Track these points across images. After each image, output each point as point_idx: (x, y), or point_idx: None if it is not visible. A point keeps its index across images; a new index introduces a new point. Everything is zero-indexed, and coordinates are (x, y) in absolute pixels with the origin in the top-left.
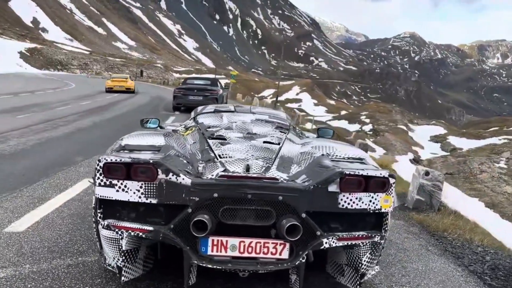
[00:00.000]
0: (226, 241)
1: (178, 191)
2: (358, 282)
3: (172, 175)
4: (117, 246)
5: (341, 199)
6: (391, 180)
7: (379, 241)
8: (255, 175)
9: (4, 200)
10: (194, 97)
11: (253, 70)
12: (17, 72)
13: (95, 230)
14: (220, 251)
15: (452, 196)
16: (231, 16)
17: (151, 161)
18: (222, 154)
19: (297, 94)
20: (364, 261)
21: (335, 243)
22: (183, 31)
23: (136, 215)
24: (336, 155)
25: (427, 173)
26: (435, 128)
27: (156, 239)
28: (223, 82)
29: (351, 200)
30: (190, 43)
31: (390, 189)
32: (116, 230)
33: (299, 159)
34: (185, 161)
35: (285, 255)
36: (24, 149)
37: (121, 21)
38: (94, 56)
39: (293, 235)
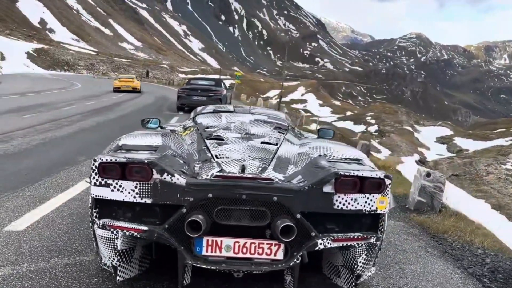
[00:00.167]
0: (221, 241)
1: (172, 191)
2: (353, 283)
3: (167, 175)
4: (112, 246)
5: (336, 200)
6: (387, 181)
7: (375, 242)
8: (250, 176)
9: (5, 199)
10: (198, 98)
11: (258, 70)
12: (24, 72)
13: (91, 229)
14: (215, 252)
15: (457, 198)
16: (236, 17)
17: (145, 161)
18: (219, 155)
19: (302, 94)
20: (360, 262)
21: (330, 244)
22: (188, 32)
23: (131, 215)
24: (334, 156)
25: (428, 174)
26: (441, 129)
27: (151, 239)
28: (228, 82)
29: (346, 201)
30: (195, 44)
31: (386, 190)
32: (111, 229)
33: (297, 160)
34: (181, 161)
35: (280, 255)
36: (27, 149)
37: (128, 22)
38: (101, 57)
39: (288, 236)
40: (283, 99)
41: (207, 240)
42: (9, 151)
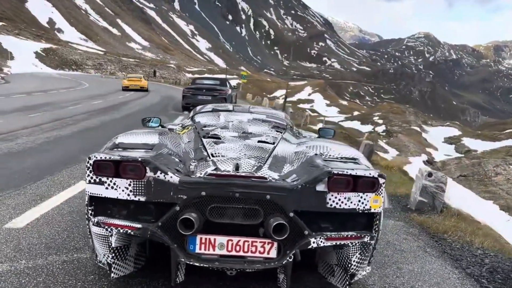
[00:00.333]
0: (214, 239)
1: (166, 189)
2: (347, 282)
3: (160, 173)
4: (106, 243)
5: (330, 199)
6: (381, 180)
7: (369, 241)
8: (243, 174)
9: (7, 197)
10: (203, 97)
11: (265, 70)
12: (33, 72)
13: (87, 227)
14: (208, 249)
15: (465, 199)
16: (243, 17)
17: (139, 159)
18: (215, 153)
19: (309, 94)
20: (354, 261)
21: (323, 243)
22: (196, 32)
23: (126, 212)
24: (330, 155)
25: (430, 174)
26: (450, 129)
27: (144, 237)
28: (234, 82)
29: (339, 199)
30: (202, 44)
31: (380, 189)
32: (106, 227)
33: (293, 159)
34: (177, 160)
35: (273, 254)
36: (31, 147)
37: (135, 21)
38: (108, 57)
39: (280, 234)
40: (290, 99)
41: (201, 238)
42: (14, 150)
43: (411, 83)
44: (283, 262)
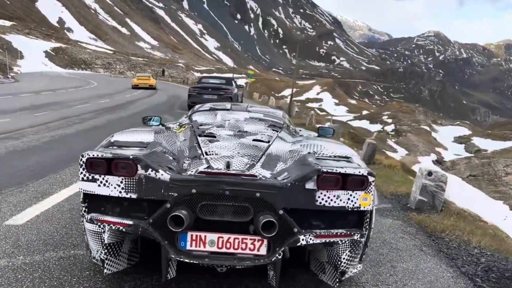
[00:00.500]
0: (205, 236)
1: (157, 186)
2: (337, 280)
3: (151, 171)
4: (99, 239)
5: (319, 197)
6: (370, 178)
7: (359, 239)
8: (233, 172)
9: (9, 194)
10: (208, 96)
11: (273, 69)
12: (42, 71)
13: (82, 224)
14: (199, 246)
15: (473, 199)
16: (252, 16)
17: (130, 156)
18: (209, 151)
19: (318, 93)
20: (344, 258)
21: (313, 240)
22: (204, 31)
23: (119, 209)
24: (323, 153)
25: (430, 173)
26: (459, 129)
27: (136, 233)
28: (243, 81)
29: (328, 197)
30: (211, 43)
31: (370, 187)
32: (99, 223)
33: (287, 157)
34: (170, 158)
35: (263, 251)
36: (36, 146)
37: (144, 21)
38: (118, 56)
39: (269, 232)
40: (298, 98)
41: (191, 235)
42: (19, 148)
43: (421, 82)
44: (272, 259)
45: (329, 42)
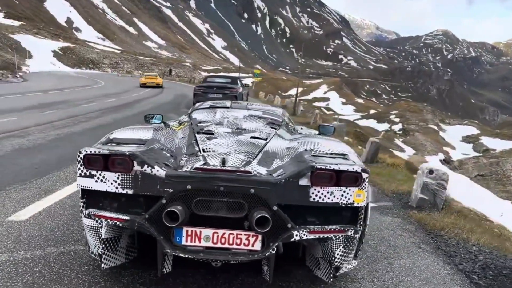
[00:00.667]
0: (200, 231)
1: (153, 182)
2: (331, 275)
3: (147, 167)
4: (97, 234)
5: (312, 193)
6: (364, 175)
7: (353, 235)
8: (228, 168)
9: (13, 191)
10: (213, 95)
11: (280, 68)
12: (50, 70)
13: (81, 219)
14: (194, 242)
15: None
16: (259, 15)
17: (127, 153)
18: (206, 148)
19: (325, 92)
20: (338, 254)
21: (306, 236)
22: (211, 30)
23: (116, 205)
24: (319, 151)
25: (431, 172)
26: (468, 128)
27: (132, 228)
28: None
29: (322, 193)
30: (218, 42)
31: (363, 184)
32: (96, 219)
33: (284, 154)
34: (168, 154)
35: (258, 246)
36: (42, 144)
37: (152, 20)
38: (125, 55)
39: (263, 227)
40: (305, 97)
41: (187, 231)
42: (24, 146)
43: (429, 81)
44: (266, 254)
45: (336, 41)
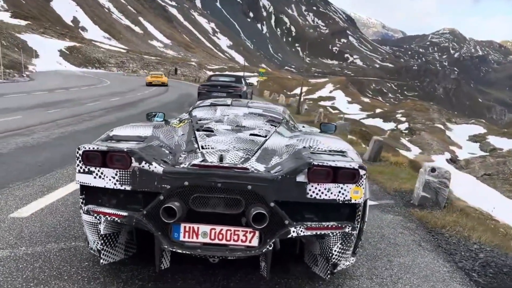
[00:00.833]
0: (198, 228)
1: (150, 178)
2: (329, 272)
3: (145, 163)
4: (96, 230)
5: (310, 189)
6: (361, 172)
7: (350, 231)
8: (226, 165)
9: (16, 188)
10: (217, 94)
11: (286, 67)
12: (56, 70)
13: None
14: (192, 238)
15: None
16: (265, 14)
17: (125, 149)
18: (205, 145)
19: (331, 92)
20: (335, 251)
21: (303, 232)
22: (217, 29)
23: (114, 201)
24: (318, 148)
25: (433, 170)
26: (474, 127)
27: (130, 224)
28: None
29: (319, 190)
30: (223, 41)
31: (361, 181)
32: (95, 215)
33: (282, 152)
34: (167, 151)
35: (255, 242)
36: (46, 142)
37: (157, 19)
38: (131, 55)
39: (260, 223)
40: (311, 96)
41: (184, 227)
42: (28, 144)
43: (435, 80)
44: (263, 250)
45: (342, 40)
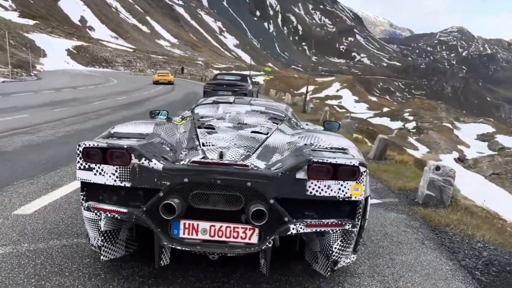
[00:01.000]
0: (197, 224)
1: (150, 175)
2: (329, 269)
3: (145, 160)
4: (96, 227)
5: (309, 186)
6: (362, 169)
7: (350, 229)
8: (225, 162)
9: (20, 186)
10: (223, 92)
11: (293, 66)
12: (64, 69)
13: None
14: (191, 234)
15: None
16: (271, 12)
17: (124, 146)
18: (206, 143)
19: (337, 90)
20: (336, 248)
21: (303, 229)
22: (224, 28)
23: (115, 197)
24: (320, 145)
25: (437, 168)
26: (483, 126)
27: (130, 221)
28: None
29: (319, 187)
30: (230, 40)
31: (361, 178)
32: (95, 211)
33: (284, 149)
34: (167, 148)
35: (254, 239)
36: (51, 140)
37: (164, 19)
38: (138, 54)
39: (259, 220)
40: (317, 95)
41: (184, 223)
42: (34, 142)
43: (443, 79)
44: (263, 247)
45: (349, 38)
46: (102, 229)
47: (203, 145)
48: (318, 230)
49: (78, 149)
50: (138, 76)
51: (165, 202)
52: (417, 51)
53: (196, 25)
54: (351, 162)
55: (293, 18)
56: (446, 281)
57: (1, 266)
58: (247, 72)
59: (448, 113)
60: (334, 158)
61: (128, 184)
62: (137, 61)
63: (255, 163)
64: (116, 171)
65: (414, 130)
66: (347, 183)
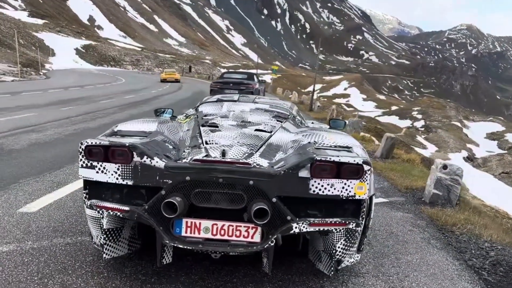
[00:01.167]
0: (200, 223)
1: (152, 173)
2: (332, 268)
3: (147, 158)
4: (99, 225)
5: (312, 185)
6: (366, 167)
7: (354, 228)
8: (227, 160)
9: (26, 184)
10: (230, 91)
11: (300, 65)
12: (73, 68)
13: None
14: (193, 233)
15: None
16: (279, 11)
17: (126, 144)
18: (209, 141)
19: (345, 89)
20: (339, 247)
21: (306, 228)
22: (231, 27)
23: (117, 195)
24: (324, 143)
25: (445, 167)
26: (492, 125)
27: (132, 219)
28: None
29: (322, 186)
30: (238, 39)
31: (365, 176)
32: (98, 209)
33: (287, 147)
34: (170, 146)
35: (257, 238)
36: (58, 138)
37: (172, 18)
38: (146, 53)
39: (262, 219)
40: (325, 94)
41: (186, 222)
42: (41, 140)
43: (452, 77)
44: (265, 246)
45: (357, 37)
46: (104, 227)
47: (206, 143)
48: (321, 229)
49: (80, 147)
50: (146, 75)
51: (167, 200)
52: (425, 49)
53: (203, 24)
54: (354, 161)
55: (300, 17)
56: (452, 281)
57: (4, 264)
58: (254, 71)
59: (457, 112)
60: (338, 156)
61: (130, 182)
62: (145, 60)
63: (258, 162)
64: (118, 169)
65: (422, 129)
66: (350, 182)
